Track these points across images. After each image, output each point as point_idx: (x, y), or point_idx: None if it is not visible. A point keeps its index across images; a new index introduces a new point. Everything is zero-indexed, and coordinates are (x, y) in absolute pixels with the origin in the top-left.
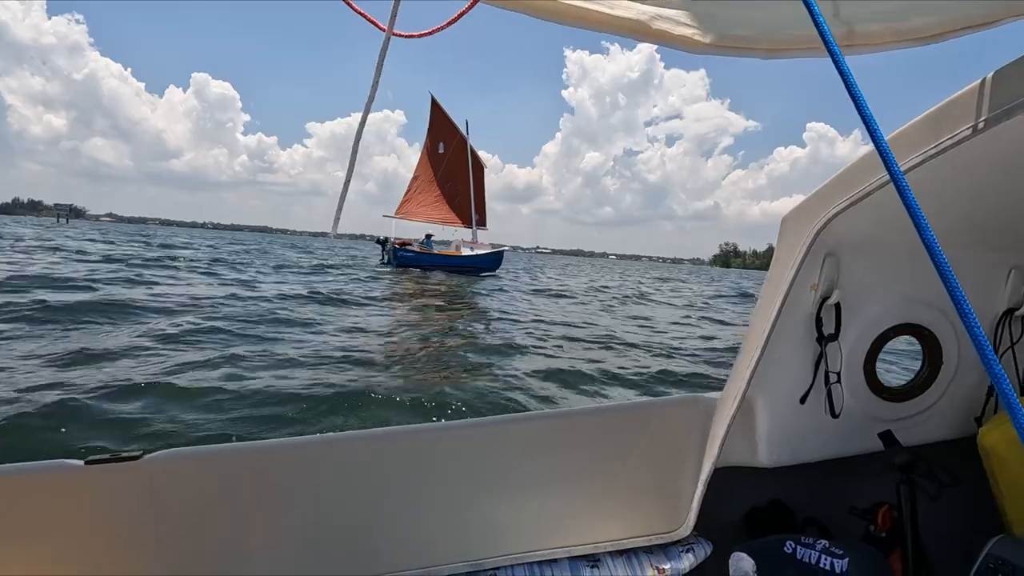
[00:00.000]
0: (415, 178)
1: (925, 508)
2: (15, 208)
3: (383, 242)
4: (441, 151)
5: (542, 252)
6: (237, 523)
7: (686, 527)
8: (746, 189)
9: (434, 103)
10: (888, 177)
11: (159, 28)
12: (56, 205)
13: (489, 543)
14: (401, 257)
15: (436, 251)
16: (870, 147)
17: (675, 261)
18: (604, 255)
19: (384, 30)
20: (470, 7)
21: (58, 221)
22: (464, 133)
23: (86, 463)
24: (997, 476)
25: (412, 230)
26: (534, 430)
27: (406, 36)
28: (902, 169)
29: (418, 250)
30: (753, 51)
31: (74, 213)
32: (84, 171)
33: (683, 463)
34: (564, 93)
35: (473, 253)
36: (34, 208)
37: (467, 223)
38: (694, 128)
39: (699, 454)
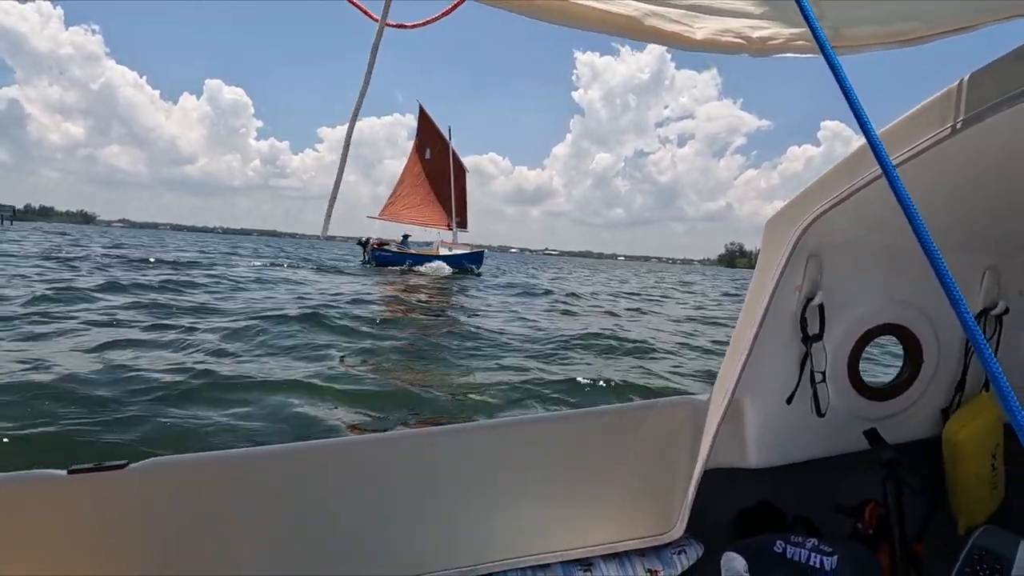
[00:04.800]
0: (401, 181)
1: (910, 504)
2: (26, 214)
3: (364, 243)
4: (428, 156)
5: (550, 254)
6: (222, 532)
7: (678, 529)
8: (759, 189)
9: (422, 111)
10: (869, 178)
11: (173, 35)
12: None
13: (480, 549)
14: (380, 257)
15: (415, 251)
16: (852, 150)
17: (685, 262)
18: (613, 256)
19: (377, 20)
20: (461, 1)
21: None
22: (448, 138)
23: (69, 472)
24: (956, 467)
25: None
26: (524, 434)
27: (398, 26)
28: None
29: (396, 250)
30: (744, 49)
31: (84, 218)
32: (100, 178)
33: (674, 465)
34: (574, 95)
35: (451, 253)
36: (45, 214)
37: (450, 225)
38: (706, 128)
39: (689, 456)
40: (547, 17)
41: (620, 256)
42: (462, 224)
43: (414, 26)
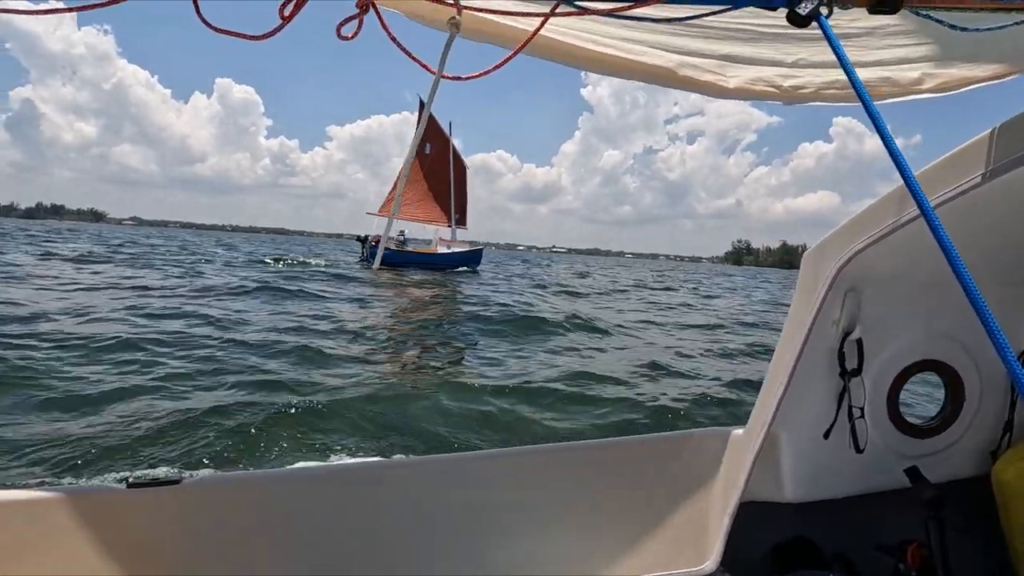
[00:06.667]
0: (400, 176)
1: (954, 545)
2: (37, 212)
3: (363, 240)
4: (428, 152)
5: (557, 251)
6: (273, 548)
7: (712, 562)
8: (769, 186)
9: (422, 105)
10: (907, 217)
11: (183, 34)
12: None
13: (514, 574)
14: (376, 255)
15: (412, 249)
16: (891, 187)
17: (693, 259)
18: (621, 254)
19: (434, 73)
20: (513, 55)
21: None
22: (448, 134)
23: (128, 486)
24: (1010, 510)
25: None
26: (558, 461)
27: (453, 78)
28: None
29: (395, 248)
30: (776, 97)
31: (94, 216)
32: (113, 177)
33: (708, 497)
34: (583, 92)
35: (449, 251)
36: (56, 212)
37: (449, 222)
38: (716, 125)
39: (724, 488)
40: (590, 68)
41: (628, 254)
42: (461, 221)
43: (467, 78)
